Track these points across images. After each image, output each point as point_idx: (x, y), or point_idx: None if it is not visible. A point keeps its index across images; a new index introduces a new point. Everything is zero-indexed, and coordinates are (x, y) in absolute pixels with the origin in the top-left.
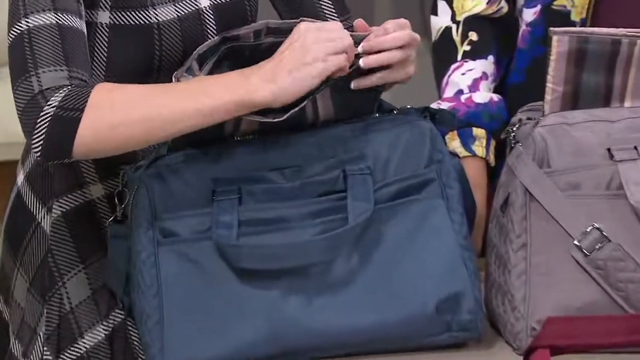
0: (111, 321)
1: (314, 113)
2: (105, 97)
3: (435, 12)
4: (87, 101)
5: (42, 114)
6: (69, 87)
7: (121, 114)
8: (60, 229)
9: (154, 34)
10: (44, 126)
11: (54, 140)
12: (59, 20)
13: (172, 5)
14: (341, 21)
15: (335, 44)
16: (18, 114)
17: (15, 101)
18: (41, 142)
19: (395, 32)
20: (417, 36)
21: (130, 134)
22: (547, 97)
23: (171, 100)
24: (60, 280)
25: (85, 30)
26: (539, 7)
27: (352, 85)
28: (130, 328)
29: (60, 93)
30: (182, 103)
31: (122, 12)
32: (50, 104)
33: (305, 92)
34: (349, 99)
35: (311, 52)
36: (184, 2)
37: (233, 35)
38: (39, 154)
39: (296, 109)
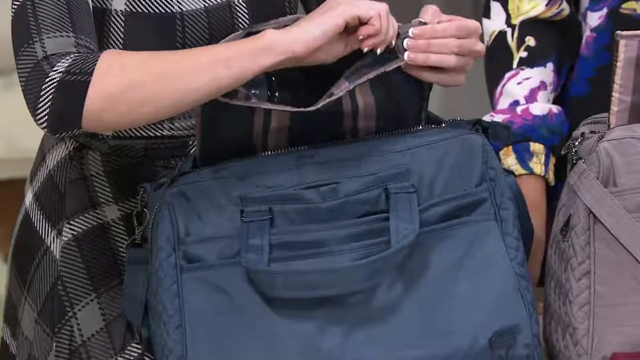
0: (127, 356)
1: (352, 103)
2: (115, 60)
3: (487, 15)
4: (95, 64)
5: (47, 80)
6: (76, 54)
7: (133, 74)
8: (71, 254)
9: (176, 24)
10: (49, 93)
11: (61, 107)
12: None
13: None
14: None
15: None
16: (21, 85)
17: (19, 72)
18: (47, 110)
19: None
20: (476, 25)
21: (143, 97)
22: (613, 108)
23: (187, 56)
24: (71, 310)
25: (91, 7)
26: (605, 10)
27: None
28: None
29: (67, 59)
30: (199, 57)
31: None
32: (57, 69)
33: (329, 35)
34: (390, 89)
35: (339, 4)
36: None
37: (259, 30)
38: (44, 124)
39: (331, 98)
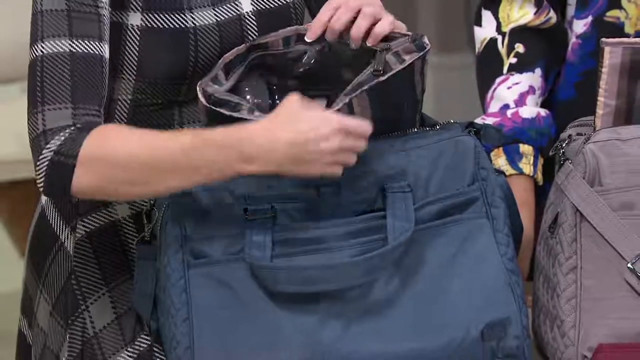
0: (137, 347)
1: (348, 108)
2: (96, 151)
3: (479, 23)
4: (80, 148)
5: (41, 157)
6: (70, 127)
7: (111, 173)
8: (83, 250)
9: (189, 38)
10: (43, 168)
11: (53, 182)
12: (73, 48)
13: (212, 10)
14: None
15: (351, 158)
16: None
17: (28, 131)
18: (42, 180)
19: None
20: None
21: (119, 192)
22: (599, 111)
23: (159, 172)
24: (84, 304)
25: (105, 54)
26: (590, 18)
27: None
28: (156, 355)
29: (60, 136)
30: (178, 163)
31: (156, 14)
32: (49, 148)
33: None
34: (385, 93)
35: (325, 158)
36: (224, 6)
37: (260, 43)
38: (41, 190)
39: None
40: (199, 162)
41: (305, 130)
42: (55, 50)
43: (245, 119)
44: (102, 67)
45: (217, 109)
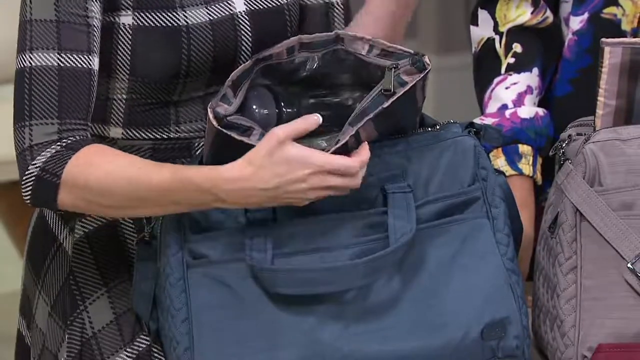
0: (136, 347)
1: (356, 141)
2: (79, 175)
3: (475, 22)
4: (64, 169)
5: (27, 172)
6: (57, 144)
7: (91, 197)
8: (82, 251)
9: (182, 37)
10: (29, 183)
11: (38, 197)
12: (61, 62)
13: (204, 8)
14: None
15: (340, 192)
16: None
17: (14, 144)
18: (28, 194)
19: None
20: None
21: (102, 212)
22: (599, 111)
23: (139, 203)
24: (82, 304)
25: (93, 66)
26: (586, 15)
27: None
28: (155, 355)
29: (47, 152)
30: (150, 208)
31: (147, 13)
32: (35, 164)
33: None
34: (392, 121)
35: (308, 195)
36: (217, 5)
37: (265, 56)
38: (27, 202)
39: (337, 145)
40: (178, 199)
41: (281, 174)
42: (44, 64)
43: (254, 146)
44: (90, 80)
45: (227, 132)
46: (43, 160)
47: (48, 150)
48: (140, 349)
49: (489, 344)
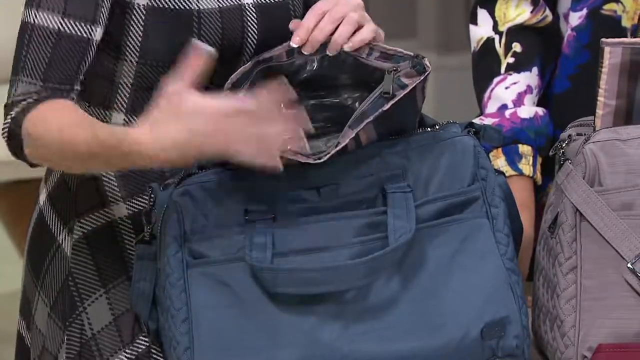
0: (135, 348)
1: (356, 144)
2: (32, 127)
3: (474, 22)
4: (22, 124)
5: (5, 122)
6: (29, 100)
7: (41, 150)
8: (81, 251)
9: (193, 20)
10: (5, 134)
11: (13, 148)
12: (62, 26)
13: None
14: None
15: (267, 147)
16: None
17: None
18: (8, 146)
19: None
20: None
21: (58, 167)
22: (599, 111)
23: (80, 161)
24: (81, 305)
25: (94, 36)
26: (585, 11)
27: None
28: (154, 356)
29: (19, 107)
30: (91, 165)
31: None
32: (11, 115)
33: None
34: (392, 123)
35: (221, 145)
36: None
37: (265, 58)
38: (12, 154)
39: (337, 148)
40: (106, 160)
41: (181, 128)
42: (45, 24)
43: None
44: (86, 48)
45: None
46: (13, 114)
47: (21, 105)
48: (140, 349)
49: (489, 344)
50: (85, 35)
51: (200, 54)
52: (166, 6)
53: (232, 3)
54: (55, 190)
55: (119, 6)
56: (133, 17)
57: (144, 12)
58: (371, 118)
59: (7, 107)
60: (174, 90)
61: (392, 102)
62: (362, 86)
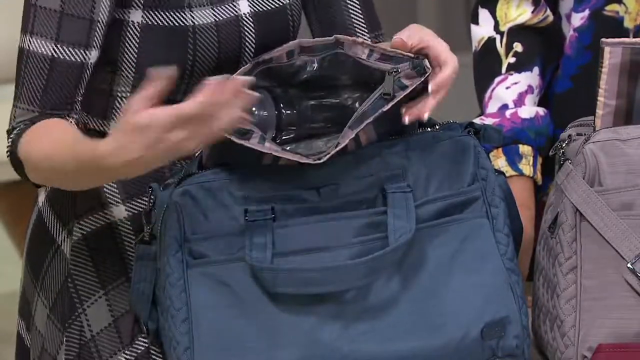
0: (134, 349)
1: (355, 144)
2: (26, 147)
3: (475, 21)
4: (18, 146)
5: (7, 148)
6: (21, 126)
7: (36, 172)
8: (80, 253)
9: (188, 37)
10: (9, 158)
11: (18, 172)
12: (56, 53)
13: (210, 9)
14: (372, 38)
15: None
16: None
17: None
18: (14, 169)
19: (449, 60)
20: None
21: (59, 184)
22: (599, 111)
23: (70, 179)
24: (81, 307)
25: (88, 60)
26: (587, 11)
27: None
28: (153, 357)
29: (17, 132)
30: (83, 182)
31: (157, 12)
32: (10, 140)
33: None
34: (392, 124)
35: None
36: (222, 6)
37: (265, 59)
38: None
39: (337, 148)
40: (93, 174)
41: (135, 142)
42: (39, 51)
43: (254, 149)
44: (81, 73)
45: (226, 135)
46: (13, 138)
47: (19, 129)
48: (139, 350)
49: (489, 344)
50: (79, 59)
51: (160, 74)
52: (161, 24)
53: (229, 15)
54: (54, 192)
55: (114, 24)
56: (128, 34)
57: (139, 29)
58: (371, 119)
59: (8, 133)
60: (131, 106)
61: (392, 103)
62: (362, 87)
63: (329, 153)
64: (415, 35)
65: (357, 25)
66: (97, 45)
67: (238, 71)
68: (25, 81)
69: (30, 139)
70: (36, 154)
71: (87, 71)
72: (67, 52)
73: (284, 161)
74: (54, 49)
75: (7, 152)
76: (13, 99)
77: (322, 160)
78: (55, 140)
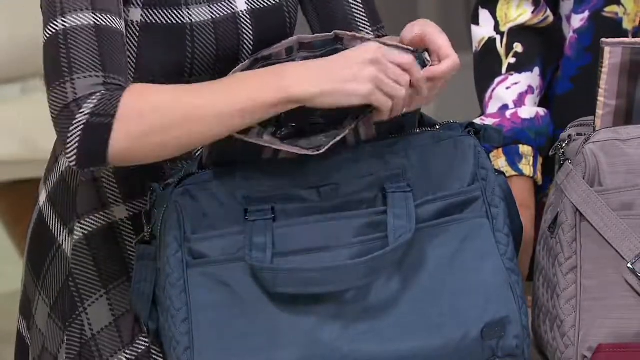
0: (135, 349)
1: (355, 137)
2: (135, 104)
3: (476, 22)
4: (118, 107)
5: (74, 122)
6: (102, 92)
7: (152, 121)
8: (81, 252)
9: (186, 35)
10: (76, 134)
11: (87, 148)
12: (97, 20)
13: (207, 7)
14: (374, 31)
15: (396, 89)
16: (52, 119)
17: (50, 106)
18: (75, 150)
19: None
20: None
21: (163, 141)
22: (599, 111)
23: (206, 101)
24: (82, 306)
25: (124, 31)
26: (587, 13)
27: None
28: (154, 356)
29: (93, 99)
30: (217, 106)
31: (155, 10)
32: (83, 112)
33: (340, 106)
34: (392, 123)
35: (366, 79)
36: (219, 4)
37: (265, 55)
38: (73, 163)
39: (337, 139)
40: (240, 90)
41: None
42: (79, 23)
43: (253, 143)
44: (124, 42)
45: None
46: (92, 106)
47: (95, 97)
48: (140, 350)
49: (489, 344)
50: (120, 29)
51: None
52: (159, 22)
53: (226, 13)
54: (55, 191)
55: None
56: (128, 34)
57: (138, 28)
58: (371, 108)
59: (70, 106)
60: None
61: None
62: None
63: (328, 145)
64: (419, 28)
65: (359, 20)
66: (124, 18)
67: (237, 67)
68: (73, 54)
69: (142, 90)
70: (162, 97)
71: (125, 43)
72: (108, 19)
73: (284, 154)
74: (93, 17)
75: (75, 125)
76: (56, 80)
77: (321, 151)
78: (180, 89)
